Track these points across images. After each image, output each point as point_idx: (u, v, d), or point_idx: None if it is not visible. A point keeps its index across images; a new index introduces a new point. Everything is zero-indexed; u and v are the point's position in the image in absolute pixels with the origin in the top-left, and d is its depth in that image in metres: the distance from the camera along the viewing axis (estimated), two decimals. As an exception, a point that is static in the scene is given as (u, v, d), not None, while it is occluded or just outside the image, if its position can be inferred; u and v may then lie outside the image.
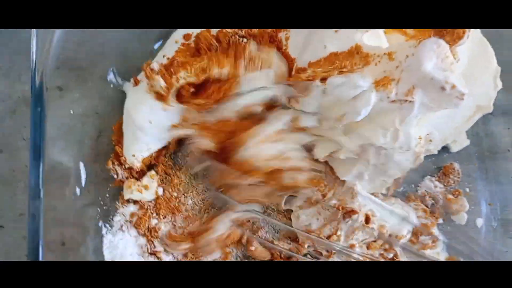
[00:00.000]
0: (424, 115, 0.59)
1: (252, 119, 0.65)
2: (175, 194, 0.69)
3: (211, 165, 0.67)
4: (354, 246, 0.66)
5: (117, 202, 0.68)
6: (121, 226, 0.66)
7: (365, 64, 0.57)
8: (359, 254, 0.65)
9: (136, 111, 0.64)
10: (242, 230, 0.68)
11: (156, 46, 0.70)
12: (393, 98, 0.56)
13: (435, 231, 0.68)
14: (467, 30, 0.54)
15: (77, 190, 0.63)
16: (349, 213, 0.65)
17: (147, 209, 0.67)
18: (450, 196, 0.70)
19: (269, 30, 0.64)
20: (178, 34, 0.67)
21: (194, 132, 0.65)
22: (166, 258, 0.67)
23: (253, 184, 0.65)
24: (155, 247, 0.66)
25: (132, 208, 0.67)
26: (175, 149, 0.70)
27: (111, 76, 0.67)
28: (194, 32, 0.66)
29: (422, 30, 0.57)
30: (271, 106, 0.65)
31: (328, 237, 0.66)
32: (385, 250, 0.67)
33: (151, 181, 0.67)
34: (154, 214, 0.68)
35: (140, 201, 0.68)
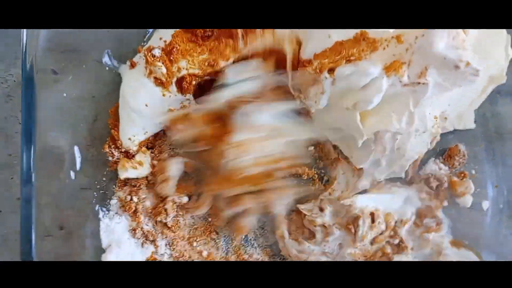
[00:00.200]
0: (438, 95, 0.57)
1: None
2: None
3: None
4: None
5: (114, 186, 0.67)
6: (118, 209, 0.66)
7: (373, 50, 0.55)
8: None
9: (132, 94, 0.63)
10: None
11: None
12: (406, 82, 0.55)
13: (439, 214, 0.67)
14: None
15: (72, 174, 0.63)
16: (354, 221, 0.64)
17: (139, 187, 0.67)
18: (455, 179, 0.68)
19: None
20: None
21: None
22: (161, 242, 0.67)
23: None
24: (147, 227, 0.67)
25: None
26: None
27: (106, 59, 0.66)
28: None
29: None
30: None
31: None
32: (391, 237, 0.66)
33: (144, 156, 0.67)
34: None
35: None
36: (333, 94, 0.60)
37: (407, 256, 0.66)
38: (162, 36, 0.64)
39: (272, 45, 0.63)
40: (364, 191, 0.67)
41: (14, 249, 0.54)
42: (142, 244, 0.66)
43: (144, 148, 0.67)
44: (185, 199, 0.68)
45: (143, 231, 0.66)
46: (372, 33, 0.55)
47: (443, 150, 0.69)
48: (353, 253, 0.65)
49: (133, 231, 0.66)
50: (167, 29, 0.65)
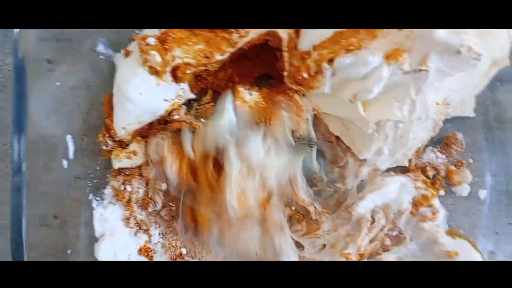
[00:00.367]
0: (440, 81, 0.57)
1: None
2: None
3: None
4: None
5: (107, 175, 0.68)
6: (112, 199, 0.67)
7: (372, 38, 0.55)
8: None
9: (126, 83, 0.63)
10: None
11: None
12: (407, 69, 0.54)
13: (435, 203, 0.66)
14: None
15: (65, 162, 0.63)
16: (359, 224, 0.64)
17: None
18: (452, 167, 0.68)
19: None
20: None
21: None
22: (154, 231, 0.67)
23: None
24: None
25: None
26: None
27: (100, 47, 0.66)
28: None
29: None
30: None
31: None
32: (389, 229, 0.65)
33: (138, 146, 0.67)
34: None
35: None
36: (334, 85, 0.59)
37: (406, 248, 0.65)
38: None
39: (266, 31, 0.63)
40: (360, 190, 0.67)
41: (7, 238, 0.55)
42: (136, 233, 0.67)
43: (138, 138, 0.67)
44: (163, 186, 0.68)
45: (136, 220, 0.67)
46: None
47: (440, 139, 0.68)
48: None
49: (127, 220, 0.66)
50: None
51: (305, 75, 0.61)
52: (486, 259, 0.65)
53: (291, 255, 0.64)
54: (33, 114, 0.57)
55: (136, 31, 0.66)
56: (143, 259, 0.66)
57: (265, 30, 0.63)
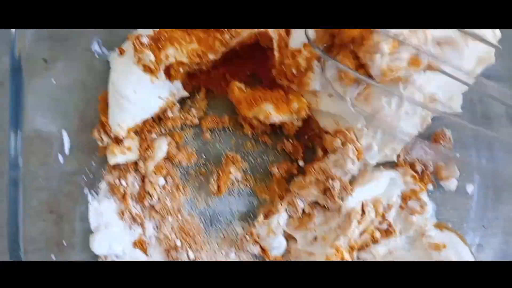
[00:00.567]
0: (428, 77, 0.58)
1: None
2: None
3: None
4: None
5: (103, 170, 0.68)
6: (107, 193, 0.67)
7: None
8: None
9: (121, 81, 0.64)
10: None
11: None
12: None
13: (424, 197, 0.68)
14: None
15: (60, 158, 0.64)
16: (349, 217, 0.65)
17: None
18: (441, 163, 0.69)
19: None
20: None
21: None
22: (149, 224, 0.68)
23: None
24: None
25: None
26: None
27: (95, 47, 0.67)
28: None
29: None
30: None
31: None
32: (379, 222, 0.66)
33: (132, 141, 0.68)
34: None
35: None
36: (323, 80, 0.61)
37: (395, 241, 0.66)
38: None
39: (257, 31, 0.65)
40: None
41: (5, 233, 0.55)
42: (130, 226, 0.67)
43: (132, 134, 0.68)
44: (161, 181, 0.69)
45: (131, 214, 0.67)
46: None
47: (428, 135, 0.69)
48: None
49: (121, 214, 0.67)
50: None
51: (294, 71, 0.62)
52: (474, 252, 0.66)
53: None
54: (29, 111, 0.58)
55: (131, 30, 0.67)
56: (137, 251, 0.67)
57: (256, 30, 0.64)
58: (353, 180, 0.67)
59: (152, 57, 0.61)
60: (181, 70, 0.65)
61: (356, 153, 0.63)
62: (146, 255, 0.67)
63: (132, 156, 0.67)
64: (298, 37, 0.63)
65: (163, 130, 0.70)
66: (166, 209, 0.68)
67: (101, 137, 0.66)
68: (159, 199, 0.68)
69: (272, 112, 0.65)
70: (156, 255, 0.68)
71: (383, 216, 0.66)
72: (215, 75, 0.71)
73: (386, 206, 0.67)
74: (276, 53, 0.65)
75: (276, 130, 0.71)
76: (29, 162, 0.58)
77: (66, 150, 0.64)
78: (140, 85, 0.64)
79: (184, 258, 0.67)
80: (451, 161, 0.69)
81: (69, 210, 0.64)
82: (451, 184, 0.69)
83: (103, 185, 0.68)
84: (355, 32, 0.57)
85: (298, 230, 0.67)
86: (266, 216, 0.67)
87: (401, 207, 0.67)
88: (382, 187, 0.67)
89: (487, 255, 0.67)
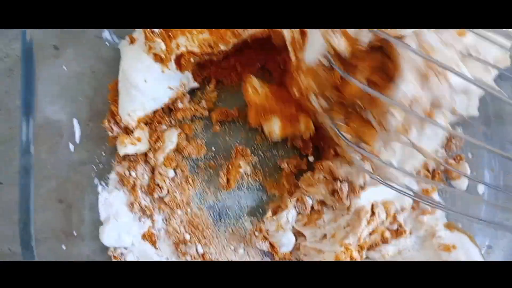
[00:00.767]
0: None
1: None
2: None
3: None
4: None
5: (113, 161, 0.68)
6: (117, 184, 0.67)
7: None
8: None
9: (131, 70, 0.63)
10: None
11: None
12: None
13: (435, 196, 0.67)
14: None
15: (71, 146, 0.63)
16: (358, 216, 0.64)
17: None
18: (452, 162, 0.69)
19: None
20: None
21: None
22: (158, 216, 0.68)
23: None
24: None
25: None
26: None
27: (106, 34, 0.67)
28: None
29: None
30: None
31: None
32: (390, 223, 0.66)
33: (143, 132, 0.67)
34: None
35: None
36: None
37: (405, 241, 0.66)
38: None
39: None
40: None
41: (14, 220, 0.55)
42: (140, 218, 0.67)
43: (142, 124, 0.67)
44: (171, 173, 0.68)
45: (140, 205, 0.67)
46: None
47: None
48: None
49: (131, 205, 0.67)
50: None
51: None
52: (484, 253, 0.66)
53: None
54: (39, 98, 0.57)
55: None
56: (146, 244, 0.67)
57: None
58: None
59: (163, 46, 0.61)
60: (192, 60, 0.64)
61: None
62: (155, 248, 0.67)
63: (142, 147, 0.67)
64: (312, 53, 0.58)
65: (173, 122, 0.70)
66: (176, 201, 0.68)
67: (111, 126, 0.66)
68: (168, 191, 0.68)
69: (276, 132, 0.65)
70: (165, 248, 0.68)
71: (394, 217, 0.66)
72: (225, 66, 0.70)
73: (399, 208, 0.66)
74: (292, 57, 0.62)
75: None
76: (39, 150, 0.57)
77: (77, 139, 0.64)
78: (150, 74, 0.63)
79: (193, 252, 0.67)
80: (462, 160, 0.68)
81: (78, 199, 0.64)
82: (462, 183, 0.69)
83: (112, 176, 0.68)
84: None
85: (307, 227, 0.66)
86: (275, 212, 0.67)
87: (412, 207, 0.67)
88: (394, 191, 0.66)
89: (496, 257, 0.67)
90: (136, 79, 0.63)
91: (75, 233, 0.63)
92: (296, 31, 0.61)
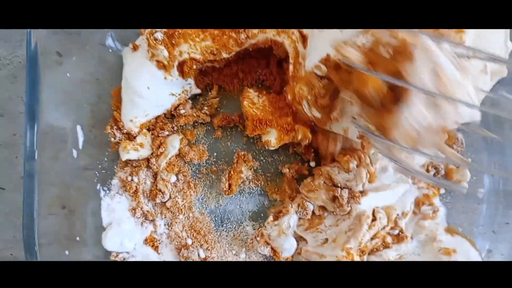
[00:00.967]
0: None
1: None
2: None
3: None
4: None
5: (115, 166, 0.69)
6: (119, 189, 0.68)
7: None
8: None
9: (134, 77, 0.64)
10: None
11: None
12: None
13: (436, 201, 0.68)
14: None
15: (74, 152, 0.64)
16: (359, 220, 0.64)
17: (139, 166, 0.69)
18: (452, 166, 0.69)
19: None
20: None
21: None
22: (160, 221, 0.68)
23: None
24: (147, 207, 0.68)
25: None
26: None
27: (109, 41, 0.67)
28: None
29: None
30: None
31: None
32: (391, 228, 0.67)
33: (145, 138, 0.68)
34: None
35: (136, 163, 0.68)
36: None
37: (406, 245, 0.67)
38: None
39: (273, 38, 0.64)
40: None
41: (16, 226, 0.55)
42: (142, 223, 0.68)
43: (145, 130, 0.68)
44: (173, 178, 0.69)
45: (142, 211, 0.67)
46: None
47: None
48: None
49: (133, 211, 0.67)
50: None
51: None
52: (484, 257, 0.66)
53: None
54: (43, 105, 0.58)
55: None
56: (148, 249, 0.67)
57: (272, 36, 0.64)
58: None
59: (166, 53, 0.61)
60: (194, 67, 0.65)
61: (369, 176, 0.64)
62: (157, 252, 0.67)
63: (144, 152, 0.67)
64: (313, 59, 0.59)
65: (175, 127, 0.70)
66: (178, 207, 0.68)
67: (113, 132, 0.67)
68: (170, 196, 0.68)
69: (273, 142, 0.65)
70: (167, 253, 0.68)
71: (396, 222, 0.66)
72: (227, 73, 0.70)
73: (400, 214, 0.67)
74: (290, 67, 0.64)
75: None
76: (42, 156, 0.58)
77: (80, 145, 0.64)
78: (153, 81, 0.64)
79: (195, 257, 0.67)
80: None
81: (81, 205, 0.65)
82: (462, 188, 0.69)
83: (115, 181, 0.68)
84: None
85: (309, 232, 0.67)
86: (276, 217, 0.67)
87: (414, 212, 0.68)
88: (396, 196, 0.67)
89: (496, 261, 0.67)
90: (139, 85, 0.64)
91: (78, 239, 0.63)
92: (299, 43, 0.62)
